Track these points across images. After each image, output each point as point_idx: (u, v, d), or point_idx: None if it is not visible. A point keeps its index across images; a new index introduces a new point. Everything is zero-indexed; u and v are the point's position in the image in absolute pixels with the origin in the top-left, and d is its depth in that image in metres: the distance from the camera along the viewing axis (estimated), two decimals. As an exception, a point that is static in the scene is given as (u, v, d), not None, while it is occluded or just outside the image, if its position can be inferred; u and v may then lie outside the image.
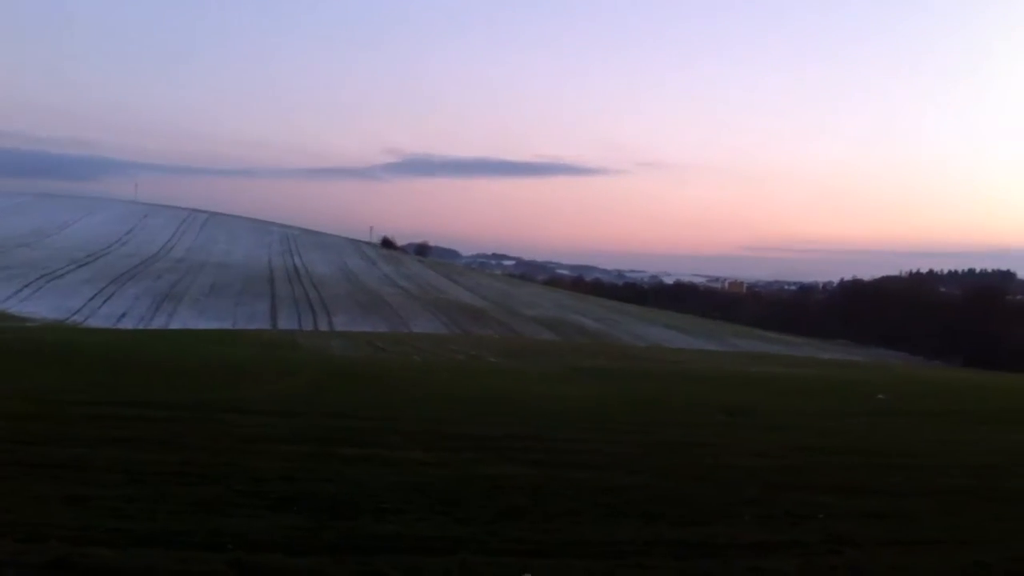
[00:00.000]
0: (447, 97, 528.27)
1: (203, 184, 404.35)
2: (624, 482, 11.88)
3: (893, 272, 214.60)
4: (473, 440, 15.34)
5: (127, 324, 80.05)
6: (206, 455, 12.24)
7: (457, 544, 8.18)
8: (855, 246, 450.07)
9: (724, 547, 8.65)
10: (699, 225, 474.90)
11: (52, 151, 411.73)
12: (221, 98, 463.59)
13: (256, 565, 7.19)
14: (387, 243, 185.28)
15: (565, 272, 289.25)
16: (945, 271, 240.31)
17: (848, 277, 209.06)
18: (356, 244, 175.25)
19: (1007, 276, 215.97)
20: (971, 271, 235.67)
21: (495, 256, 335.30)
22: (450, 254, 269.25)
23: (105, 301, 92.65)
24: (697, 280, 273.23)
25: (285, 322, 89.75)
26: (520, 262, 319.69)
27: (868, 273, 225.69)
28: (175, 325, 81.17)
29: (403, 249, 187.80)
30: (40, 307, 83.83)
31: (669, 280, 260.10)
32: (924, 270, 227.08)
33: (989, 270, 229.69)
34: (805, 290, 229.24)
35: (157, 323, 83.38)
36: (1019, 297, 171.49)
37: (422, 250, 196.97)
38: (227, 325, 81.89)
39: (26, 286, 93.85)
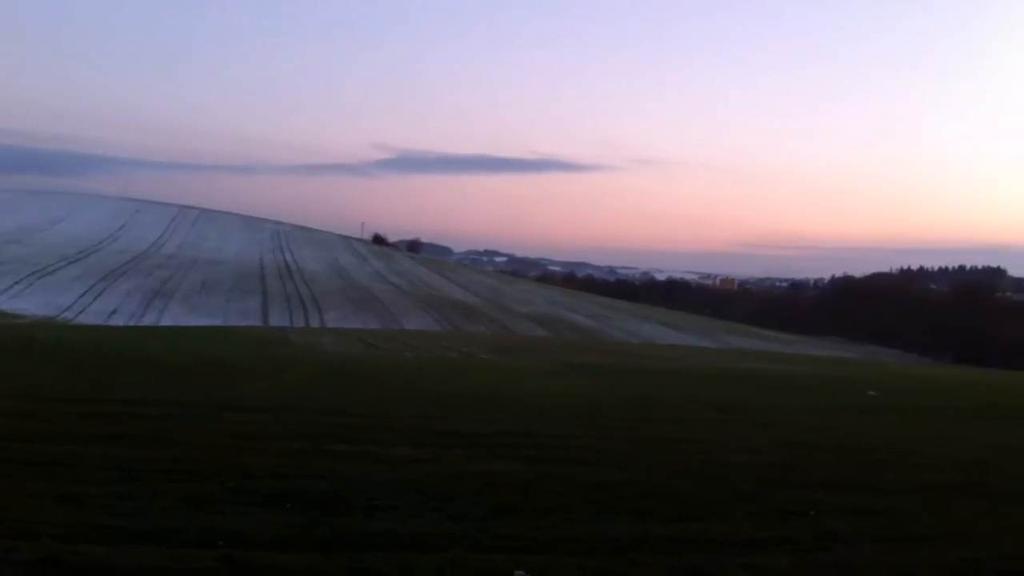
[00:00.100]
0: (439, 93, 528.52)
1: (194, 180, 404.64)
2: (615, 478, 11.90)
3: (884, 269, 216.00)
4: (465, 437, 15.35)
5: (118, 321, 79.84)
6: (198, 452, 12.24)
7: (449, 541, 8.20)
8: (846, 243, 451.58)
9: (715, 543, 8.69)
10: (692, 222, 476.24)
11: (42, 147, 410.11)
12: (213, 95, 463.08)
13: (248, 562, 7.21)
14: (379, 239, 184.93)
15: (557, 269, 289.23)
16: (936, 268, 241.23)
17: (839, 274, 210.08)
18: (348, 241, 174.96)
19: (997, 273, 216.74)
20: (961, 268, 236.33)
21: (487, 253, 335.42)
22: (442, 251, 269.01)
23: (96, 298, 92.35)
24: (689, 277, 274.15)
25: (276, 319, 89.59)
26: (512, 259, 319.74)
27: (859, 270, 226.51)
28: (166, 322, 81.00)
29: (395, 246, 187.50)
30: (30, 304, 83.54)
31: (661, 277, 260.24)
32: (915, 267, 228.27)
33: (979, 267, 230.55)
34: (796, 287, 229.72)
35: (148, 320, 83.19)
36: (1009, 294, 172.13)
37: (414, 246, 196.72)
38: (218, 322, 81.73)
39: (16, 283, 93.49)
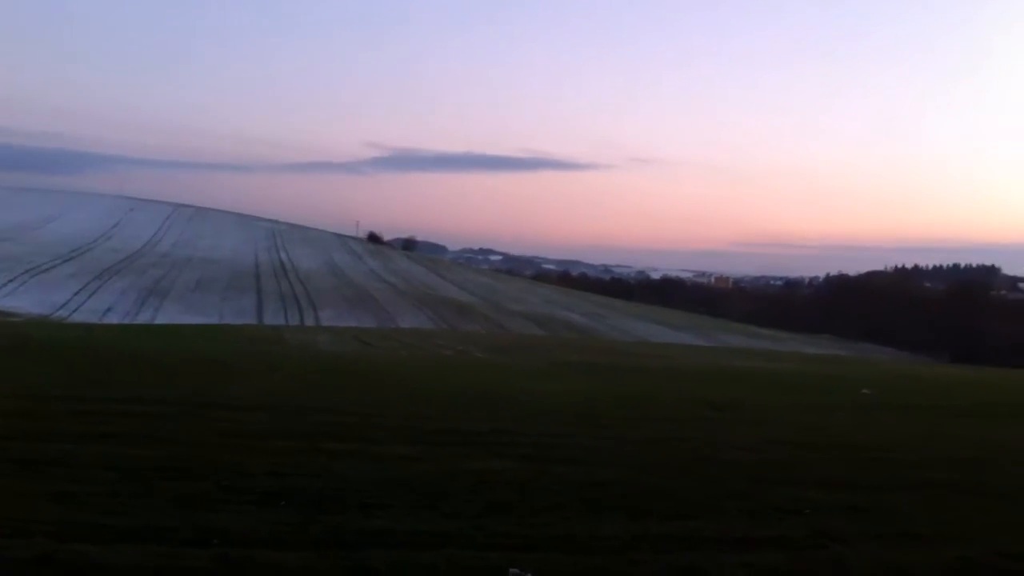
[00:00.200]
0: (435, 92, 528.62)
1: (190, 179, 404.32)
2: (610, 477, 11.90)
3: (879, 267, 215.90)
4: (459, 435, 15.34)
5: (112, 319, 79.71)
6: (192, 451, 12.22)
7: (444, 539, 8.20)
8: (841, 242, 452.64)
9: (711, 541, 8.69)
10: (687, 221, 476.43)
11: (37, 145, 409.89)
12: (208, 94, 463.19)
13: (242, 560, 7.19)
14: (374, 238, 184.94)
15: (552, 267, 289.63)
16: (930, 266, 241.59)
17: (834, 272, 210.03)
18: (343, 239, 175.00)
19: (991, 271, 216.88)
20: (956, 266, 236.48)
21: (482, 251, 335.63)
22: (437, 249, 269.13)
23: (90, 296, 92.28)
24: (684, 275, 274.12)
25: (271, 317, 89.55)
26: (507, 257, 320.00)
27: (854, 268, 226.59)
28: (161, 320, 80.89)
29: (390, 244, 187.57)
30: (25, 302, 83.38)
31: (656, 275, 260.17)
32: (909, 265, 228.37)
33: (974, 265, 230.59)
34: (791, 285, 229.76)
35: (143, 318, 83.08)
36: (1003, 292, 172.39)
37: (409, 245, 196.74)
38: (213, 320, 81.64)
39: (10, 281, 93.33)
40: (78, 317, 79.21)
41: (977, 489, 12.27)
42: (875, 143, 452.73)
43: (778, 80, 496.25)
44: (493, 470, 11.85)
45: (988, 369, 59.94)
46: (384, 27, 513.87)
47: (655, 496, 10.79)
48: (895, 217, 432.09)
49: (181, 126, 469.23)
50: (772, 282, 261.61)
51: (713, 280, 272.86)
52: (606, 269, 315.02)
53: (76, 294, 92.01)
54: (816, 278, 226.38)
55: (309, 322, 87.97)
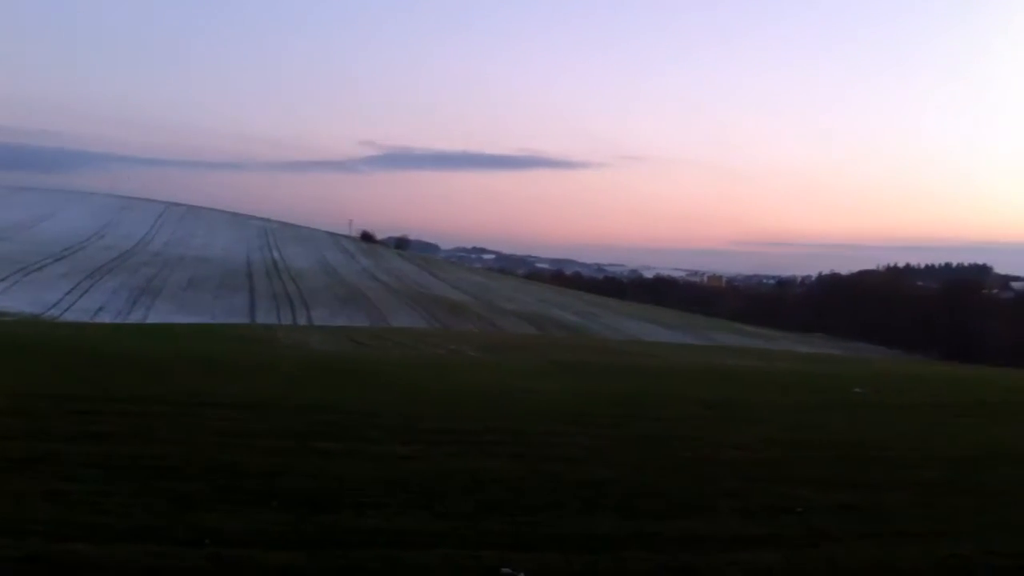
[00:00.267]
0: (428, 90, 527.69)
1: (182, 177, 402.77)
2: (603, 475, 11.91)
3: (871, 266, 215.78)
4: (453, 434, 15.34)
5: (104, 318, 79.53)
6: (184, 450, 12.20)
7: (437, 538, 8.21)
8: (833, 240, 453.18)
9: (703, 540, 8.71)
10: (680, 219, 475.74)
11: (28, 144, 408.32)
12: (200, 92, 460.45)
13: (235, 560, 7.20)
14: (366, 237, 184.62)
15: (545, 266, 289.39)
16: (922, 265, 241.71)
17: (826, 271, 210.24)
18: (335, 238, 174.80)
19: (983, 270, 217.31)
20: (948, 265, 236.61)
21: (475, 250, 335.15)
22: (430, 248, 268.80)
23: (82, 295, 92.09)
24: (677, 274, 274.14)
25: (264, 316, 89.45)
26: (500, 256, 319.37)
27: (846, 267, 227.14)
28: (153, 319, 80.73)
29: (382, 243, 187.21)
30: (16, 301, 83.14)
31: (649, 274, 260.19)
32: (901, 264, 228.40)
33: (966, 264, 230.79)
34: (783, 284, 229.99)
35: (135, 317, 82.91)
36: (995, 291, 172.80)
37: (402, 244, 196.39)
38: (205, 319, 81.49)
39: (2, 280, 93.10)
40: (70, 316, 79.07)
41: (970, 488, 12.30)
42: (867, 143, 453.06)
43: (771, 80, 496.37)
44: (487, 469, 11.86)
45: (981, 368, 60.08)
46: (378, 26, 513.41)
47: (648, 495, 10.81)
48: (887, 216, 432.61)
49: (173, 124, 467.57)
50: (765, 281, 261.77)
51: (706, 279, 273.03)
52: (599, 268, 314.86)
53: (68, 293, 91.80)
54: (808, 277, 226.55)
55: (301, 321, 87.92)
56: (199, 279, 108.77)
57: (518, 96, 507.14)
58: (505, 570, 7.23)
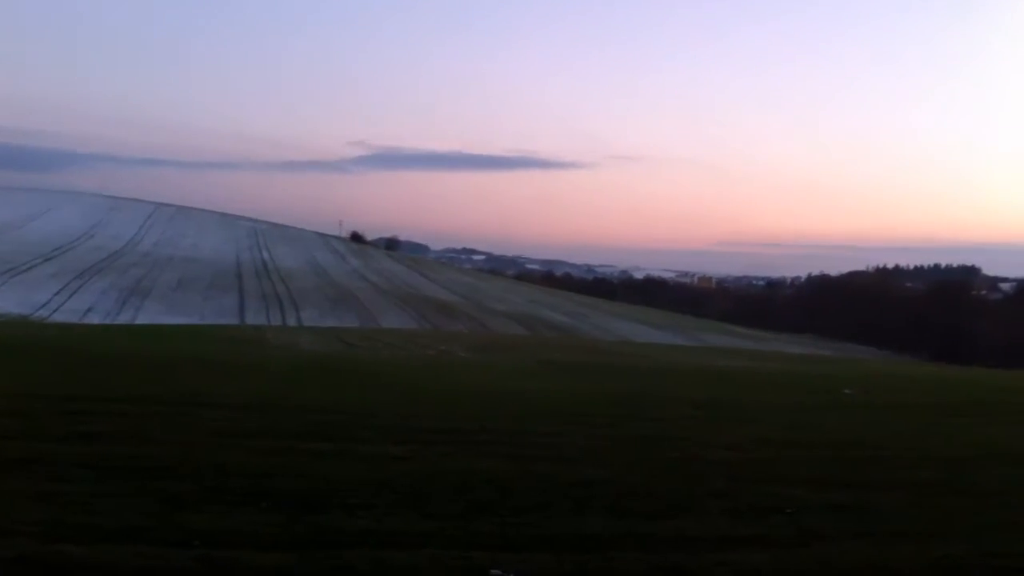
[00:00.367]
0: (418, 90, 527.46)
1: (172, 177, 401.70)
2: (593, 476, 11.92)
3: (860, 267, 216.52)
4: (442, 435, 15.33)
5: (93, 319, 79.34)
6: (175, 450, 12.17)
7: (426, 539, 8.20)
8: (823, 242, 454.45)
9: (693, 540, 8.71)
10: (670, 220, 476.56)
11: (17, 143, 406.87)
12: (190, 91, 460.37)
13: (225, 561, 7.18)
14: (356, 237, 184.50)
15: (535, 267, 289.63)
16: (911, 266, 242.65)
17: (816, 272, 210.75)
18: (325, 238, 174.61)
19: (972, 271, 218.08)
20: (937, 266, 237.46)
21: (465, 251, 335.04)
22: (420, 248, 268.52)
23: (71, 296, 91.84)
24: (667, 275, 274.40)
25: (253, 317, 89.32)
26: (490, 257, 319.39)
27: (835, 268, 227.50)
28: (142, 320, 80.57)
29: (372, 243, 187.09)
30: (5, 302, 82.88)
31: (639, 275, 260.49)
32: (890, 265, 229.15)
33: (954, 265, 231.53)
34: (773, 285, 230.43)
35: (124, 318, 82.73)
36: (984, 292, 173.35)
37: (392, 244, 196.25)
38: (195, 320, 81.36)
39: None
40: (59, 317, 78.83)
41: (961, 488, 12.33)
42: (857, 145, 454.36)
43: (762, 83, 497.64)
44: (476, 469, 11.85)
45: (969, 368, 60.29)
46: (369, 27, 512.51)
47: (639, 495, 10.81)
48: (876, 217, 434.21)
49: (164, 125, 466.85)
50: (754, 282, 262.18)
51: (696, 280, 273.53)
52: (589, 269, 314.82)
53: (56, 294, 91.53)
54: (798, 278, 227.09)
55: (291, 322, 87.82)
56: (188, 280, 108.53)
57: (509, 96, 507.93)
58: (495, 571, 7.23)
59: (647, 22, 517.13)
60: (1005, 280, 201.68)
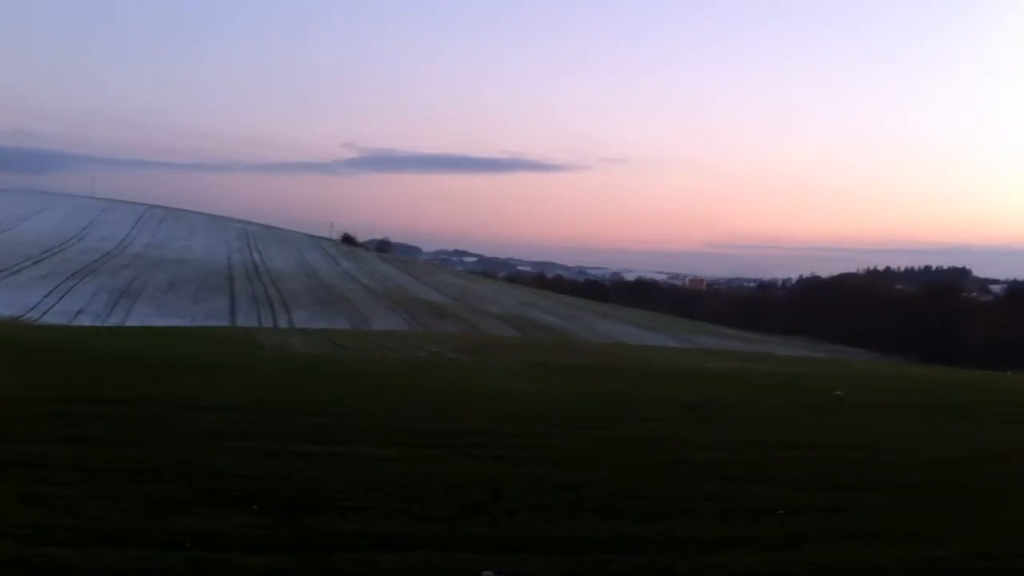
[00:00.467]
0: (409, 92, 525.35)
1: (163, 179, 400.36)
2: (584, 478, 11.91)
3: (851, 269, 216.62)
4: (434, 437, 15.32)
5: (83, 321, 79.15)
6: (164, 453, 12.13)
7: (417, 541, 8.18)
8: (814, 243, 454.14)
9: (684, 542, 8.70)
10: (661, 222, 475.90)
11: (6, 145, 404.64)
12: (181, 93, 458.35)
13: (214, 563, 7.15)
14: (348, 239, 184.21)
15: (526, 269, 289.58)
16: (902, 268, 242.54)
17: (807, 274, 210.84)
18: (316, 240, 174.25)
19: (962, 273, 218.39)
20: (927, 268, 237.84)
21: (457, 253, 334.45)
22: (411, 250, 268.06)
23: (61, 298, 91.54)
24: (658, 277, 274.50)
25: (244, 319, 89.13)
26: (482, 259, 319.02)
27: (826, 270, 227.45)
28: (132, 322, 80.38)
29: (364, 245, 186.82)
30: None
31: (630, 277, 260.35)
32: (881, 267, 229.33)
33: (945, 267, 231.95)
34: (764, 287, 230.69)
35: (114, 320, 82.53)
36: (974, 294, 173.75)
37: (383, 246, 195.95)
38: (185, 322, 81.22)
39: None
40: (49, 319, 78.60)
41: (950, 489, 12.35)
42: (847, 147, 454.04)
43: (753, 84, 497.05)
44: (468, 472, 11.84)
45: (959, 370, 60.45)
46: (360, 29, 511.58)
47: (630, 497, 10.81)
48: (867, 219, 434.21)
49: (155, 126, 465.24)
50: (745, 284, 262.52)
51: (687, 282, 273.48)
52: (581, 271, 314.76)
53: (47, 296, 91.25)
54: (789, 280, 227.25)
55: (282, 323, 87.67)
56: (179, 281, 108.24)
57: (500, 99, 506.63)
58: (486, 573, 7.21)
59: (637, 25, 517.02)
60: (995, 282, 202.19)
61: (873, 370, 54.79)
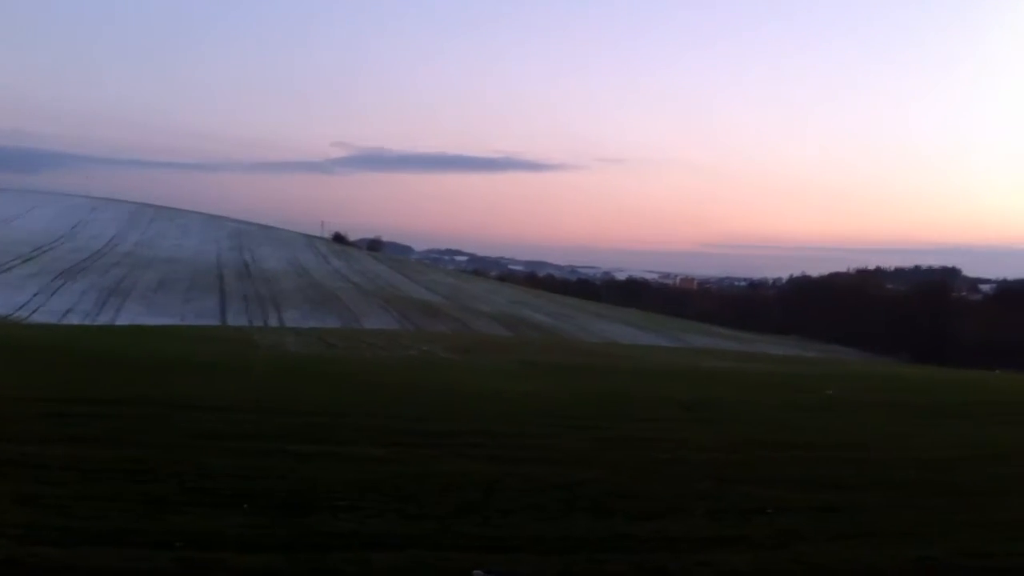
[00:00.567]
0: (402, 91, 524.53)
1: (153, 177, 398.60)
2: (577, 477, 11.92)
3: (841, 269, 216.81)
4: (427, 436, 15.33)
5: (73, 320, 78.85)
6: (157, 452, 12.11)
7: (411, 541, 8.18)
8: (804, 243, 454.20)
9: (676, 541, 8.72)
10: (652, 221, 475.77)
11: (4, 145, 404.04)
12: (172, 92, 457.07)
13: (206, 563, 7.15)
14: (339, 238, 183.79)
15: (518, 268, 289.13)
16: (892, 268, 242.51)
17: (797, 274, 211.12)
18: (308, 239, 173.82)
19: (952, 273, 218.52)
20: (917, 268, 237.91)
21: (448, 252, 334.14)
22: (403, 249, 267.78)
23: (51, 296, 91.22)
24: (649, 276, 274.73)
25: (235, 318, 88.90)
26: (473, 258, 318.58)
27: (817, 270, 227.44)
28: (122, 321, 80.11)
29: (355, 244, 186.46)
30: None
31: (622, 276, 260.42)
32: (871, 267, 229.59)
33: (935, 267, 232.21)
34: (755, 286, 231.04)
35: (103, 319, 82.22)
36: (964, 294, 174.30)
37: (375, 245, 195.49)
38: (175, 321, 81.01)
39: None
40: (38, 318, 78.31)
41: (941, 488, 12.40)
42: (837, 147, 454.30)
43: (747, 84, 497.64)
44: (461, 471, 11.85)
45: (950, 369, 60.62)
46: (353, 27, 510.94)
47: (623, 496, 10.83)
48: (857, 219, 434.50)
49: (146, 124, 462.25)
50: (736, 283, 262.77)
51: (678, 281, 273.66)
52: (572, 270, 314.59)
53: (36, 295, 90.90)
54: (779, 279, 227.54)
55: (273, 323, 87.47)
56: (169, 280, 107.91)
57: (493, 98, 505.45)
58: (477, 572, 7.21)
59: (636, 25, 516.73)
60: (986, 281, 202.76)
61: (864, 370, 54.92)
